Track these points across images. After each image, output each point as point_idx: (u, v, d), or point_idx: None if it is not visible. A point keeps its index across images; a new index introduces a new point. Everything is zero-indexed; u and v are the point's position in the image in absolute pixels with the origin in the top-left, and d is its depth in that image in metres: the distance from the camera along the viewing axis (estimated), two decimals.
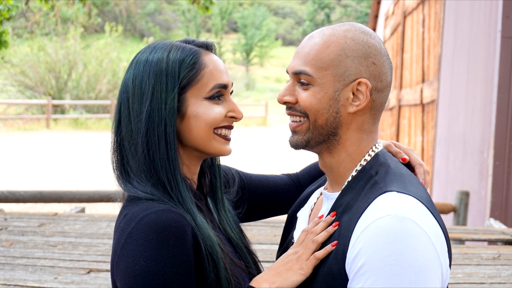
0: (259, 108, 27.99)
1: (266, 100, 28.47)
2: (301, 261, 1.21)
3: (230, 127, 1.32)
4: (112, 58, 22.23)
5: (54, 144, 16.29)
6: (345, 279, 1.14)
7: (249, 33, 37.56)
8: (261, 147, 17.45)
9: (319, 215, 1.28)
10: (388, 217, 1.10)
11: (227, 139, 1.32)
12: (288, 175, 1.61)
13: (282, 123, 25.27)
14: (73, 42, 21.88)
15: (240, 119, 1.33)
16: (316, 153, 1.30)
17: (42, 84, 21.69)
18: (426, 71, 8.17)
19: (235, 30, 40.95)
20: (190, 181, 1.31)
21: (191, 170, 1.32)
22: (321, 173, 1.53)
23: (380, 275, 1.08)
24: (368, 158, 1.25)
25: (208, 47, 1.33)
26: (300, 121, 1.26)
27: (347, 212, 1.20)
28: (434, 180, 7.37)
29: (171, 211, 1.17)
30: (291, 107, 1.27)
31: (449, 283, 2.98)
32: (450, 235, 3.83)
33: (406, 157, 1.32)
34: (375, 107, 1.25)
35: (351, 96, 1.23)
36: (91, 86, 22.14)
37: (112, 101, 21.41)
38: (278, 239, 3.73)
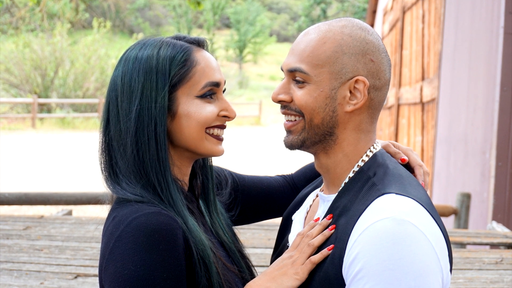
0: (253, 107, 27.95)
1: (260, 99, 28.37)
2: (296, 265, 1.19)
3: (222, 127, 1.31)
4: (100, 55, 22.09)
5: (40, 144, 16.17)
6: (342, 284, 1.13)
7: (242, 29, 37.41)
8: (255, 147, 17.43)
9: (315, 218, 1.26)
10: (387, 220, 1.09)
11: (219, 139, 1.30)
12: (283, 177, 1.60)
13: (276, 123, 25.22)
14: (59, 38, 21.70)
15: (233, 118, 1.31)
16: (312, 153, 1.28)
17: (28, 82, 21.51)
18: (426, 68, 8.13)
19: (227, 26, 40.82)
20: (181, 182, 1.29)
21: (182, 171, 1.30)
22: (317, 174, 1.51)
23: (378, 280, 1.06)
24: (366, 158, 1.24)
25: (199, 43, 1.31)
26: (295, 120, 1.25)
27: (344, 214, 1.18)
28: (434, 181, 7.34)
29: (162, 214, 1.15)
30: (286, 105, 1.26)
31: None
32: (451, 239, 3.80)
33: (405, 157, 1.31)
34: (373, 106, 1.23)
35: (348, 94, 1.21)
36: (79, 84, 22.00)
37: (100, 100, 21.28)
38: (272, 243, 3.70)
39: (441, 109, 7.05)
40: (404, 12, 9.98)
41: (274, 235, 3.91)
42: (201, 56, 1.27)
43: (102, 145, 1.27)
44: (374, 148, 1.25)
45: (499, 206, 4.83)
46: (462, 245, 4.16)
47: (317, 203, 1.32)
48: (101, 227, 1.25)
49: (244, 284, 1.25)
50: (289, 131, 1.26)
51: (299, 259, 1.19)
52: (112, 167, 1.25)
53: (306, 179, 1.55)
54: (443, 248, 1.12)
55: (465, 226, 5.23)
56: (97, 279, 3.02)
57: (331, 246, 1.16)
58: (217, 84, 1.27)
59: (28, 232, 4.01)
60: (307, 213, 1.34)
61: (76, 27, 30.68)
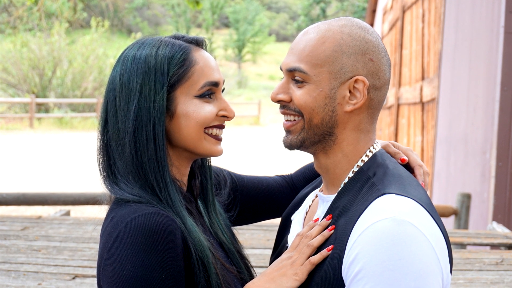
0: (252, 107, 27.89)
1: (259, 99, 28.27)
2: (295, 266, 1.18)
3: (221, 127, 1.30)
4: (99, 54, 22.04)
5: (38, 144, 16.14)
6: (341, 285, 1.12)
7: (241, 29, 37.28)
8: (253, 147, 17.40)
9: (315, 218, 1.25)
10: (387, 220, 1.08)
11: (218, 139, 1.29)
12: (282, 177, 1.59)
13: (275, 122, 25.12)
14: (57, 38, 21.65)
15: (232, 118, 1.30)
16: (311, 153, 1.27)
17: (26, 82, 21.47)
18: (426, 68, 8.10)
19: (226, 25, 40.67)
20: (179, 183, 1.28)
21: (180, 172, 1.29)
22: (316, 175, 1.51)
23: (378, 281, 1.06)
24: (366, 158, 1.23)
25: (198, 43, 1.31)
26: (294, 120, 1.24)
27: (343, 215, 1.17)
28: (434, 181, 7.31)
29: (160, 214, 1.14)
30: (285, 105, 1.25)
31: None
32: (451, 239, 3.77)
33: (405, 157, 1.30)
34: (372, 106, 1.23)
35: (348, 94, 1.21)
36: (77, 83, 21.97)
37: (98, 100, 21.24)
38: (271, 244, 3.69)
39: (441, 109, 7.03)
40: (404, 12, 9.96)
41: (273, 236, 3.89)
42: (200, 55, 1.27)
43: (100, 145, 1.27)
44: (373, 148, 1.24)
45: (499, 207, 4.81)
46: (462, 245, 4.15)
47: (317, 204, 1.31)
48: (99, 228, 1.24)
49: (243, 285, 1.25)
50: (288, 131, 1.25)
51: (298, 259, 1.18)
52: (110, 167, 1.24)
53: (306, 179, 1.54)
54: (443, 249, 1.11)
55: (465, 227, 5.20)
56: (95, 280, 3.01)
57: (331, 246, 1.15)
58: (216, 84, 1.27)
59: (26, 232, 3.99)
60: (307, 214, 1.34)
61: (74, 26, 30.60)
